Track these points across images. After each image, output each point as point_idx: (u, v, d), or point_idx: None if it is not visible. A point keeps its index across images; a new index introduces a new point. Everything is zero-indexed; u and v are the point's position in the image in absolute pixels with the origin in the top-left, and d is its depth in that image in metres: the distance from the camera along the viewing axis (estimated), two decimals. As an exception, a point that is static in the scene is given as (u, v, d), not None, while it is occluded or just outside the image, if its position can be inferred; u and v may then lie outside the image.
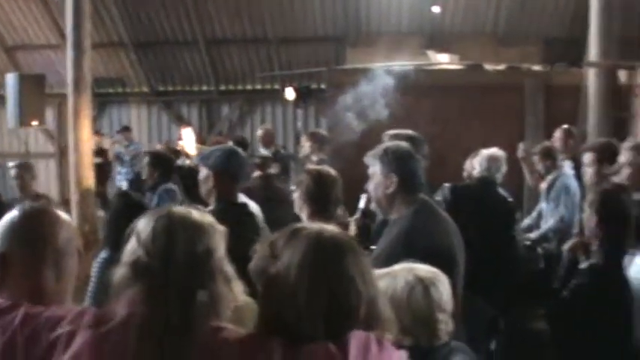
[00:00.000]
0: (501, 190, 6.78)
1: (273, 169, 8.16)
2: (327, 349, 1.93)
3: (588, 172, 5.70)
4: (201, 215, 2.19)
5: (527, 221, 7.88)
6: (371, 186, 3.93)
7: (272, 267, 2.06)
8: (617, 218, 3.89)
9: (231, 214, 4.08)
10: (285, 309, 2.00)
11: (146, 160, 8.32)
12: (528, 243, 7.21)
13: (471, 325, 4.72)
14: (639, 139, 5.25)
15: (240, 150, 4.77)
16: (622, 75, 10.54)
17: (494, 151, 6.27)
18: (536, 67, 11.85)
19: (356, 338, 1.95)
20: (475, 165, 6.23)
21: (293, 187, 4.41)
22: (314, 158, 8.17)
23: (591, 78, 10.35)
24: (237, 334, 2.05)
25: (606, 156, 5.51)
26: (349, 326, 1.99)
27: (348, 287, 2.01)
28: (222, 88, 16.56)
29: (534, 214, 7.82)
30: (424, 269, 2.92)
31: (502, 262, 5.68)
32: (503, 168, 6.24)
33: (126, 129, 14.96)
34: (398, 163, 3.82)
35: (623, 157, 4.94)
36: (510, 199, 6.79)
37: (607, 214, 3.89)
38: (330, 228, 2.13)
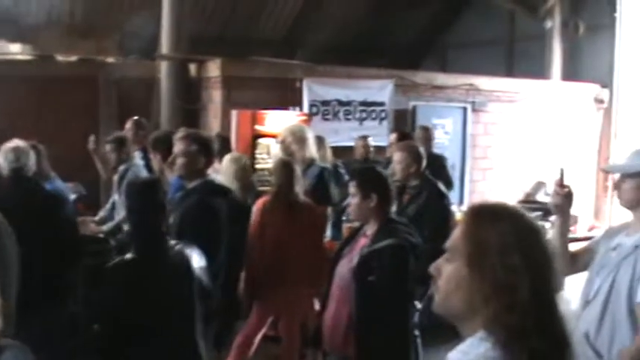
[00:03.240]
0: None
1: None
2: None
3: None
4: None
5: (101, 213, 7.85)
6: None
7: None
8: (149, 208, 3.99)
9: None
10: None
11: None
12: (102, 235, 7.23)
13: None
14: (191, 130, 5.46)
15: None
16: (193, 69, 11.04)
17: (17, 142, 5.82)
18: (110, 59, 11.94)
19: None
20: None
21: None
22: None
23: (163, 71, 10.73)
24: None
25: (165, 147, 5.78)
26: None
27: None
28: None
29: (108, 205, 7.83)
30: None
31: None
32: (32, 156, 5.83)
33: None
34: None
35: (176, 147, 5.16)
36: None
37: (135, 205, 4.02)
38: None
